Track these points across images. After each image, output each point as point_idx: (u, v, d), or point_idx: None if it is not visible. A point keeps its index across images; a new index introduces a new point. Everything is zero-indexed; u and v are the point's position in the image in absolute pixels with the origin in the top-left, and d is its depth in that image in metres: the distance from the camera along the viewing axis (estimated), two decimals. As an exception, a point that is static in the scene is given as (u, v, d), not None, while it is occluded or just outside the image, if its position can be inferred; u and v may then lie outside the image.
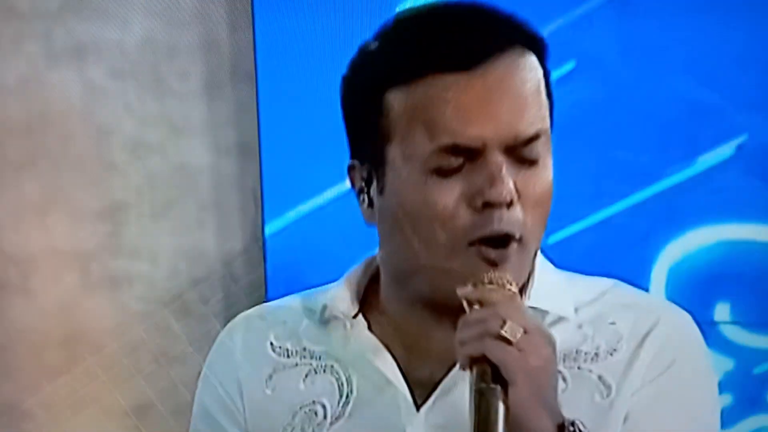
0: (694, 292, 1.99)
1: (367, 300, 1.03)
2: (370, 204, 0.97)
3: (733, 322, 2.00)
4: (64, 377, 2.26)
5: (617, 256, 1.97)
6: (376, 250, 1.04)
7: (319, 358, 1.02)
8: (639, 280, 1.94)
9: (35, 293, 2.24)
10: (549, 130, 0.95)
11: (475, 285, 0.89)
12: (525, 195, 0.92)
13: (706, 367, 1.01)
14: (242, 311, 2.30)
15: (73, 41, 2.04)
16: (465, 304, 0.89)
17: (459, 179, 0.92)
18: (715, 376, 1.02)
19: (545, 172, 0.94)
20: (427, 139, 0.92)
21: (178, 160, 2.11)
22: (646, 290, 1.93)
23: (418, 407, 0.96)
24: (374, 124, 0.95)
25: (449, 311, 0.94)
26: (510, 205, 0.91)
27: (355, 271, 1.04)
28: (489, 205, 0.90)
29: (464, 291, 0.89)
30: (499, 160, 0.91)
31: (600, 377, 0.96)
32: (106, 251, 2.21)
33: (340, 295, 1.02)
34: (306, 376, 1.02)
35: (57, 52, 2.06)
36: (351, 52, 1.94)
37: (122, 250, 2.20)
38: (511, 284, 0.89)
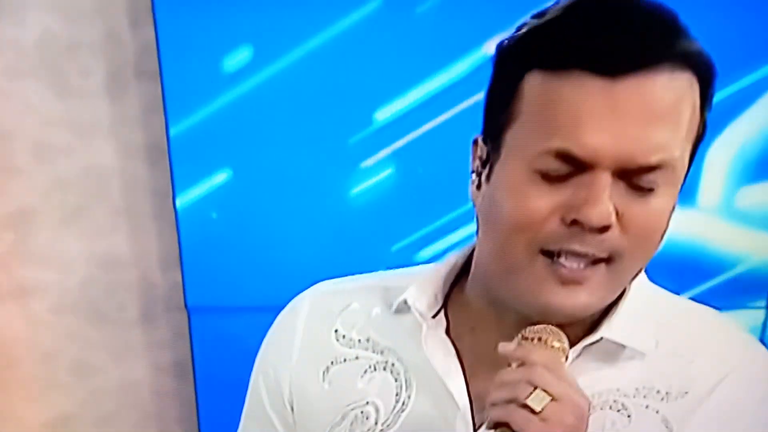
0: None
1: (452, 294, 0.99)
2: (479, 186, 0.92)
3: None
4: (-23, 391, 2.18)
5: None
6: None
7: (382, 353, 0.98)
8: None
9: (-60, 304, 2.16)
10: (680, 161, 0.86)
11: (524, 338, 0.86)
12: (628, 221, 0.86)
13: None
14: (162, 318, 2.20)
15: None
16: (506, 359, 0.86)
17: (560, 189, 0.86)
18: None
19: (660, 204, 0.87)
20: (542, 136, 0.85)
21: (85, 162, 2.01)
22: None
23: (476, 428, 0.93)
24: (506, 103, 0.88)
25: (521, 322, 0.90)
26: (606, 230, 0.85)
27: (446, 261, 1.00)
28: (579, 224, 0.85)
29: (506, 348, 0.86)
30: (605, 180, 0.84)
31: (664, 419, 0.92)
32: (14, 260, 2.11)
33: (423, 290, 0.97)
34: (365, 372, 0.98)
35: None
36: (258, 46, 1.87)
37: (31, 258, 2.11)
38: (557, 341, 0.86)
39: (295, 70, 1.85)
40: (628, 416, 0.92)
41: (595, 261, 0.87)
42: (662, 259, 1.92)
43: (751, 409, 0.94)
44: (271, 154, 1.92)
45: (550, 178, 0.86)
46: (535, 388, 0.82)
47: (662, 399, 0.93)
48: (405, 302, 0.97)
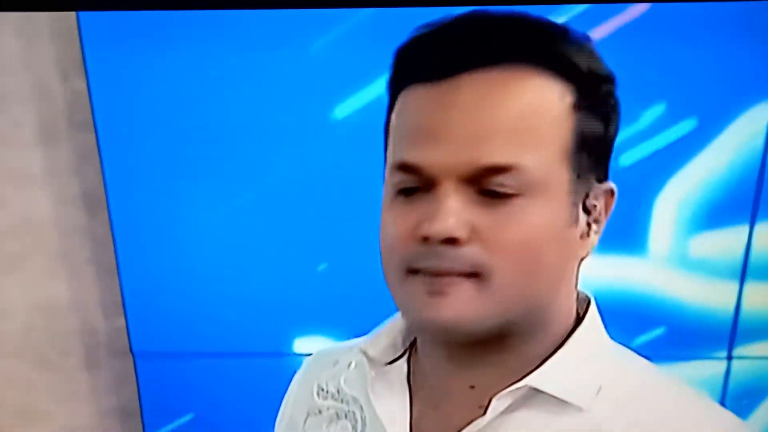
0: None
1: (413, 344, 0.99)
2: None
3: None
4: None
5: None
6: None
7: (348, 402, 0.99)
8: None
9: None
10: (542, 168, 0.82)
11: None
12: (488, 234, 0.82)
13: None
14: (106, 363, 2.20)
15: None
16: None
17: (413, 204, 0.85)
18: None
19: (524, 214, 0.83)
20: (393, 152, 0.86)
21: (23, 212, 2.00)
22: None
23: None
24: (385, 134, 0.90)
25: (447, 349, 0.89)
26: (456, 242, 0.82)
27: (399, 315, 0.99)
28: (427, 240, 0.83)
29: None
30: (449, 189, 0.82)
31: None
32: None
33: (378, 337, 0.98)
34: (331, 421, 1.00)
35: None
36: (189, 92, 1.86)
37: (-29, 307, 2.09)
38: None
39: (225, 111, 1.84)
40: None
41: (464, 275, 0.84)
42: (618, 308, 1.96)
43: None
44: (212, 198, 1.91)
45: (405, 196, 0.85)
46: None
47: None
48: (360, 351, 0.98)
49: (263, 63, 1.80)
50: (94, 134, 1.84)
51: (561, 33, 0.84)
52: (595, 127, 0.85)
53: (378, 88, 1.83)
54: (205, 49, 1.78)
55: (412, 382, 0.96)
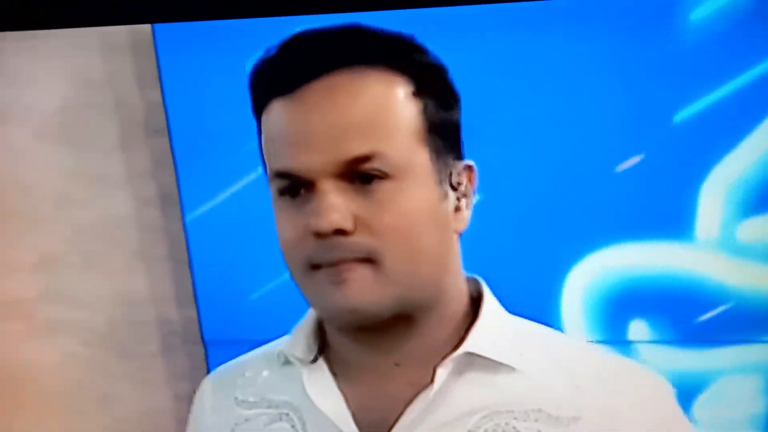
0: (607, 314, 2.01)
1: (325, 343, 1.04)
2: None
3: (651, 341, 2.00)
4: (9, 420, 2.33)
5: (524, 280, 1.99)
6: None
7: (278, 406, 1.02)
8: (549, 307, 1.99)
9: (-18, 342, 2.31)
10: (405, 149, 0.90)
11: None
12: (370, 220, 0.90)
13: None
14: (180, 353, 2.34)
15: (-7, 108, 2.10)
16: None
17: (299, 206, 0.92)
18: None
19: (401, 193, 0.90)
20: (270, 163, 0.94)
21: (102, 211, 2.17)
22: (558, 318, 1.99)
23: None
24: (259, 150, 0.98)
25: (363, 335, 0.95)
26: (345, 233, 0.90)
27: (306, 316, 1.05)
28: (319, 235, 0.90)
29: None
30: (326, 186, 0.90)
31: None
32: (47, 300, 2.27)
33: (295, 340, 1.03)
34: (265, 425, 1.03)
35: (-23, 118, 2.12)
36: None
37: (61, 298, 2.26)
38: None
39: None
40: None
41: (359, 261, 0.90)
42: (665, 293, 1.98)
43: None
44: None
45: (289, 199, 0.92)
46: None
47: (554, 424, 0.94)
48: (281, 354, 1.03)
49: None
50: (168, 140, 1.99)
51: (390, 35, 0.94)
52: (439, 111, 0.95)
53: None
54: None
55: (337, 376, 1.01)
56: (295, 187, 0.92)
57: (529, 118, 1.95)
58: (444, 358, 0.96)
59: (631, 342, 2.00)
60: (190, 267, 2.11)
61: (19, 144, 2.08)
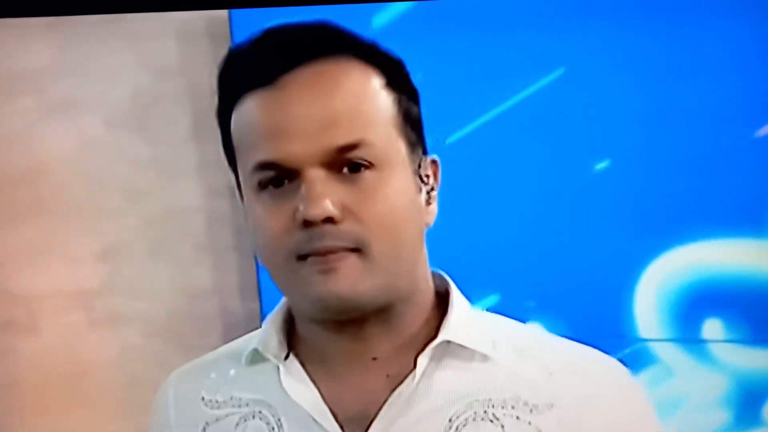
0: (682, 311, 2.02)
1: (293, 337, 1.03)
2: None
3: (725, 341, 2.02)
4: (69, 411, 2.34)
5: (599, 277, 2.02)
6: None
7: (248, 405, 1.01)
8: (623, 302, 1.99)
9: (41, 331, 2.32)
10: (386, 139, 0.92)
11: None
12: (356, 209, 0.91)
13: (655, 423, 1.01)
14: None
15: (64, 95, 2.12)
16: None
17: (283, 197, 0.91)
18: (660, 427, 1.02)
19: (384, 182, 0.92)
20: (249, 157, 0.93)
21: (170, 202, 2.18)
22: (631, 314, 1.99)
23: None
24: (230, 147, 0.97)
25: (343, 328, 0.96)
26: (333, 221, 0.90)
27: (279, 309, 1.04)
28: (308, 224, 0.90)
29: None
30: (313, 175, 0.90)
31: (537, 429, 0.95)
32: (108, 290, 2.29)
33: (267, 336, 1.02)
34: (237, 424, 1.01)
35: (50, 105, 2.14)
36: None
37: (123, 289, 2.28)
38: None
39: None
40: (502, 426, 0.95)
41: (347, 250, 0.91)
42: (741, 292, 1.99)
43: (636, 420, 0.98)
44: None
45: (271, 192, 0.92)
46: None
47: (530, 411, 0.95)
48: (257, 351, 1.01)
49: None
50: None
51: (353, 32, 0.96)
52: (409, 103, 0.97)
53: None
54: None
55: (310, 372, 1.01)
56: (279, 178, 0.92)
57: (625, 114, 1.97)
58: (423, 347, 0.97)
59: (705, 341, 2.00)
60: (256, 259, 2.12)
61: (90, 132, 2.10)
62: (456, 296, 1.01)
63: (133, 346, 2.33)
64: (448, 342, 0.97)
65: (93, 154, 2.13)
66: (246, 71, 0.93)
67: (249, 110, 0.93)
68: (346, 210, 0.91)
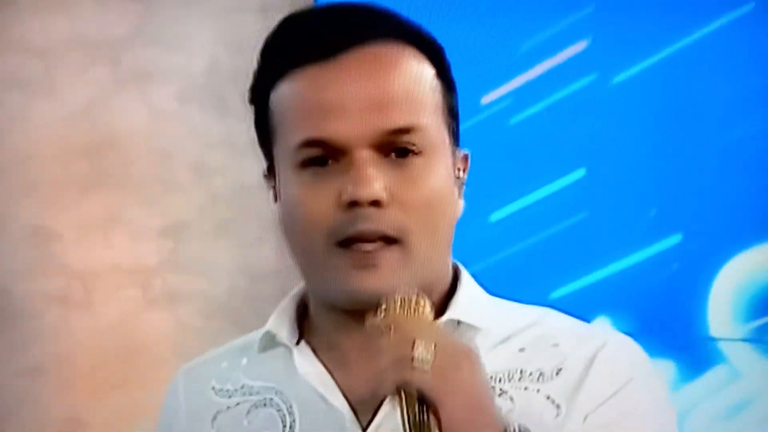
0: (755, 313, 2.00)
1: (304, 325, 1.01)
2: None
3: None
4: (123, 389, 2.33)
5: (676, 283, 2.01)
6: None
7: (258, 392, 1.00)
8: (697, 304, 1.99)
9: (97, 307, 2.32)
10: (432, 128, 0.91)
11: (382, 310, 0.85)
12: (402, 195, 0.89)
13: (661, 388, 1.00)
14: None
15: (139, 66, 2.11)
16: (375, 330, 0.85)
17: (328, 176, 0.89)
18: (669, 398, 1.01)
19: (427, 171, 0.90)
20: (294, 134, 0.90)
21: (239, 179, 2.16)
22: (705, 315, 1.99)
23: (364, 428, 0.94)
24: (266, 125, 0.95)
25: (363, 316, 0.91)
26: (379, 204, 0.88)
27: (291, 294, 1.03)
28: (354, 204, 0.88)
29: (372, 321, 0.86)
30: (363, 156, 0.88)
31: (548, 397, 0.93)
32: (168, 268, 2.28)
33: (280, 322, 1.00)
34: (248, 412, 1.00)
35: (123, 76, 2.13)
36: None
37: (183, 267, 2.27)
38: (420, 303, 0.85)
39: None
40: (511, 398, 0.93)
41: (387, 242, 0.89)
42: None
43: (639, 375, 0.96)
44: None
45: (315, 170, 0.89)
46: (415, 346, 0.81)
47: (537, 379, 0.94)
48: (269, 334, 1.00)
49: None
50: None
51: (407, 18, 0.95)
52: (451, 95, 0.96)
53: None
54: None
55: (321, 359, 0.99)
56: (323, 158, 0.90)
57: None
58: None
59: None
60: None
61: (161, 105, 2.09)
62: (465, 279, 0.99)
63: (190, 325, 2.32)
64: (458, 322, 0.95)
65: (164, 128, 2.12)
66: (299, 45, 0.91)
67: (298, 85, 0.91)
68: (391, 195, 0.88)
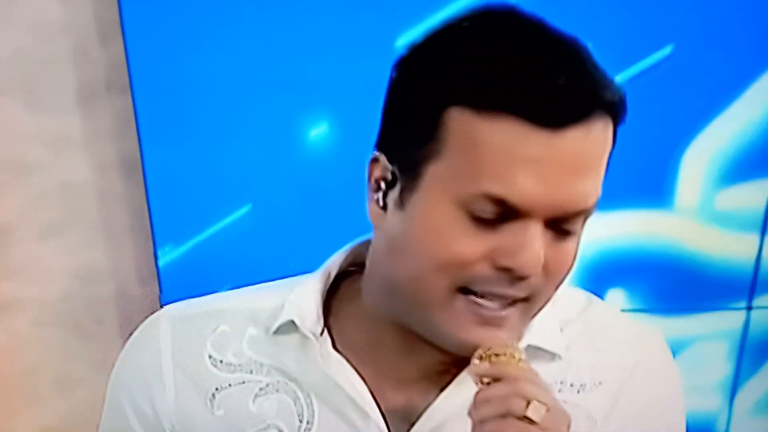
0: (582, 283, 1.96)
1: (330, 313, 0.97)
2: (384, 207, 0.89)
3: (633, 310, 2.03)
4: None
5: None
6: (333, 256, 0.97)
7: (268, 373, 0.94)
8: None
9: None
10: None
11: (482, 357, 0.85)
12: (552, 265, 0.86)
13: (681, 395, 1.03)
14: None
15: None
16: (475, 378, 0.86)
17: (491, 233, 0.84)
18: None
19: (576, 245, 0.88)
20: (476, 179, 0.83)
21: (60, 177, 2.02)
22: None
23: None
24: (424, 135, 0.84)
25: (426, 345, 0.90)
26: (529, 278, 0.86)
27: (321, 274, 0.97)
28: (508, 270, 0.84)
29: (478, 369, 0.85)
30: (537, 230, 0.84)
31: (585, 410, 0.95)
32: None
33: (307, 308, 0.94)
34: (255, 396, 0.94)
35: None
36: (226, 55, 1.85)
37: (10, 274, 2.12)
38: (521, 356, 0.86)
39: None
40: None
41: (514, 301, 0.87)
42: (642, 261, 1.98)
43: (668, 391, 1.01)
44: (248, 162, 1.92)
45: (480, 221, 0.84)
46: (529, 401, 0.82)
47: (577, 392, 0.95)
48: (292, 323, 0.94)
49: (302, 26, 1.81)
50: (131, 98, 1.84)
51: (600, 67, 0.85)
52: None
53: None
54: (243, 13, 1.79)
55: (341, 351, 0.95)
56: (494, 216, 0.84)
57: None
58: None
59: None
60: (153, 240, 1.98)
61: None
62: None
63: (25, 334, 2.17)
64: (536, 348, 0.96)
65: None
66: (526, 92, 0.80)
67: (510, 138, 0.81)
68: (542, 269, 0.86)
